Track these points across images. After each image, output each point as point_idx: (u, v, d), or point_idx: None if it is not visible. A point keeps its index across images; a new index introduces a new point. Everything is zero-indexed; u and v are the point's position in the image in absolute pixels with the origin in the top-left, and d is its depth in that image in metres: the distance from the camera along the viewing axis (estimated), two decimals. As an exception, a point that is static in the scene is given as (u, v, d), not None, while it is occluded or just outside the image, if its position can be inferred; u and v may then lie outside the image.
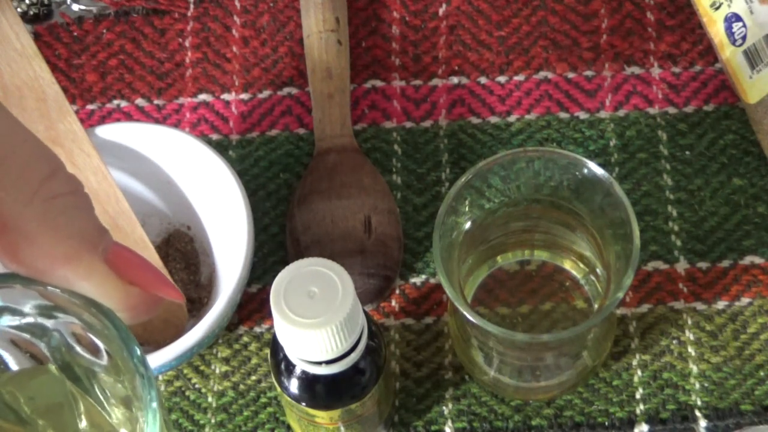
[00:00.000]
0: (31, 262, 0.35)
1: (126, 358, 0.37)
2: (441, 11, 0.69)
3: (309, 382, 0.52)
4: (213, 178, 0.60)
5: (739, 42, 0.63)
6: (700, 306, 0.61)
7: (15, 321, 0.38)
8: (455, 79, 0.67)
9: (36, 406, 0.38)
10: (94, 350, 0.38)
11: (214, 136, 0.66)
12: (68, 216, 0.35)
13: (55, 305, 0.37)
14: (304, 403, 0.53)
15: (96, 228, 0.36)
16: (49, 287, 0.36)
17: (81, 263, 0.36)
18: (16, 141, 0.35)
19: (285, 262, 0.61)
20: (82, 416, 0.38)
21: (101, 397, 0.39)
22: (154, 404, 0.36)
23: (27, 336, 0.38)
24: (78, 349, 0.38)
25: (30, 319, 0.38)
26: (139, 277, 0.37)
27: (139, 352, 0.37)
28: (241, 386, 0.61)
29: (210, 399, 0.60)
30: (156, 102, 0.68)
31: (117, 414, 0.39)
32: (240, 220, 0.58)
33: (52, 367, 0.39)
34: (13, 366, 0.39)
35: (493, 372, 0.58)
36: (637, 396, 0.59)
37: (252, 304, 0.62)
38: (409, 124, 0.66)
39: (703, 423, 0.59)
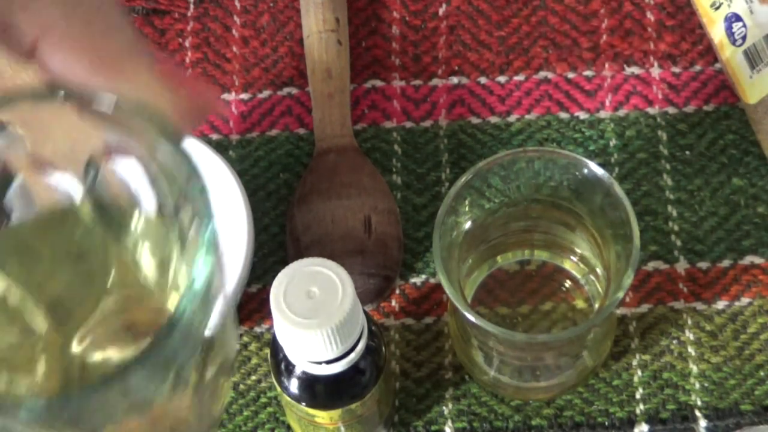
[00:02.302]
0: (79, 64, 0.35)
1: (191, 191, 0.35)
2: (441, 11, 0.69)
3: (309, 382, 0.52)
4: (213, 178, 0.60)
5: (739, 42, 0.63)
6: (700, 306, 0.61)
7: None
8: (455, 79, 0.67)
9: (62, 250, 0.37)
10: (136, 196, 0.36)
11: (214, 136, 0.66)
12: (116, 24, 0.36)
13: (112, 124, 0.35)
14: (304, 403, 0.53)
15: (141, 40, 0.36)
16: (114, 104, 0.34)
17: (130, 65, 0.36)
18: None
19: (285, 262, 0.61)
20: (113, 270, 0.37)
21: (133, 253, 0.37)
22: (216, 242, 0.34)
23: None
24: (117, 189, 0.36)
25: None
26: (185, 81, 0.37)
27: (204, 183, 0.35)
28: (241, 386, 0.61)
29: (210, 399, 0.60)
30: (156, 102, 0.68)
31: (148, 275, 0.37)
32: (240, 220, 0.58)
33: (85, 209, 0.37)
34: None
35: (493, 372, 0.58)
36: (637, 396, 0.59)
37: (252, 304, 0.62)
38: (409, 124, 0.66)
39: (703, 423, 0.59)
